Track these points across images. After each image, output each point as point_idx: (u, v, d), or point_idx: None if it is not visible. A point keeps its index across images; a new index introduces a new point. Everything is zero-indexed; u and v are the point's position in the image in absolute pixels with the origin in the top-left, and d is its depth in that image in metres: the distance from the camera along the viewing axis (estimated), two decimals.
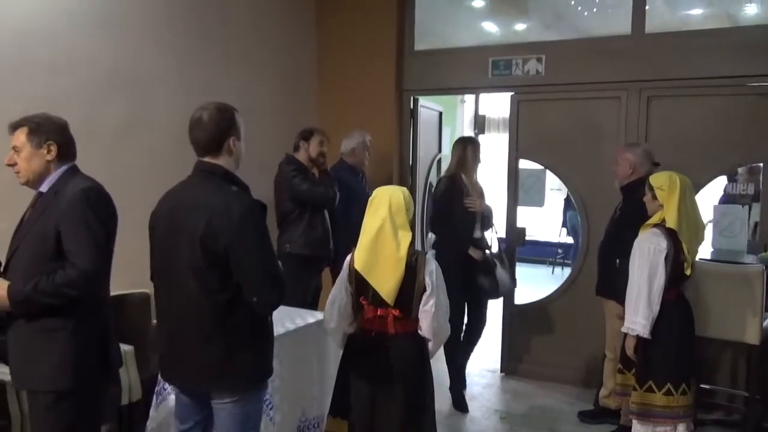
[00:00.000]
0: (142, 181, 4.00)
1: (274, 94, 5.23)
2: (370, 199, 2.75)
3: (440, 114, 6.43)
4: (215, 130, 2.33)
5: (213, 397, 2.36)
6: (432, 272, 2.64)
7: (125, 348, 3.50)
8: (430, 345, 2.75)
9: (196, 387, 2.39)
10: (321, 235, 4.34)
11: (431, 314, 2.63)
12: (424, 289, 2.63)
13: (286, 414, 3.16)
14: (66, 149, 2.43)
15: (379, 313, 2.66)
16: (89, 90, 3.78)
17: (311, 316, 3.47)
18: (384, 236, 2.62)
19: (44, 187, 2.39)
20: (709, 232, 4.85)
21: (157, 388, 3.22)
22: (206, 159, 2.36)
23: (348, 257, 2.78)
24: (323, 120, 5.57)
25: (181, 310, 2.31)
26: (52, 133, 2.39)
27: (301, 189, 4.23)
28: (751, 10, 4.66)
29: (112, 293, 3.77)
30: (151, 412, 3.24)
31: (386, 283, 2.59)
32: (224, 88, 4.58)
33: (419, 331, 2.70)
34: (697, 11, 4.90)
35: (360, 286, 2.69)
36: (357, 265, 2.66)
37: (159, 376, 3.21)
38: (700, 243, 3.39)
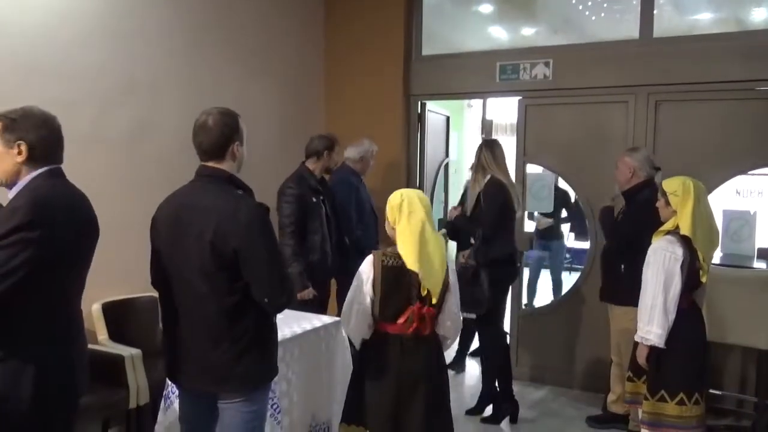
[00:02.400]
0: (152, 185, 3.99)
1: (281, 99, 5.25)
2: (396, 203, 2.71)
3: (447, 119, 6.44)
4: (220, 135, 2.34)
5: (220, 397, 2.37)
6: (453, 271, 2.73)
7: (132, 351, 3.52)
8: (448, 341, 2.83)
9: (204, 388, 2.40)
10: (318, 260, 4.12)
11: (454, 312, 2.71)
12: (447, 288, 2.69)
13: (296, 418, 3.15)
14: (40, 151, 2.11)
15: (425, 311, 2.67)
16: (99, 96, 3.81)
17: (318, 320, 3.46)
18: (429, 236, 2.66)
19: (11, 194, 2.11)
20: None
21: (165, 392, 3.22)
22: (209, 163, 2.37)
23: (369, 261, 2.74)
24: (330, 125, 5.58)
25: (189, 313, 2.32)
26: (25, 132, 2.10)
27: (280, 216, 4.02)
28: (759, 14, 4.65)
29: (119, 297, 3.86)
30: (159, 416, 3.24)
31: (437, 282, 2.64)
32: (232, 93, 4.60)
33: (439, 330, 2.76)
34: (705, 15, 4.89)
35: (392, 288, 2.67)
36: (414, 267, 2.60)
37: (167, 380, 3.22)
38: (715, 249, 3.30)
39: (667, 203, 3.18)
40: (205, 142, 2.35)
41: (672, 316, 3.08)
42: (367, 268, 2.74)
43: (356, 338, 2.83)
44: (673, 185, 3.18)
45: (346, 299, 2.80)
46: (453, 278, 2.71)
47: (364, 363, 2.81)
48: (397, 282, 2.67)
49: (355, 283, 2.78)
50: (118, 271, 3.67)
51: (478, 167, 4.25)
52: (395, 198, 2.74)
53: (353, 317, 2.75)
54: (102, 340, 3.69)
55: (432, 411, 2.71)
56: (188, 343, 2.34)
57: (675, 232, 3.13)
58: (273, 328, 2.45)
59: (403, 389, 2.68)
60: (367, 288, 2.71)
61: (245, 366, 2.31)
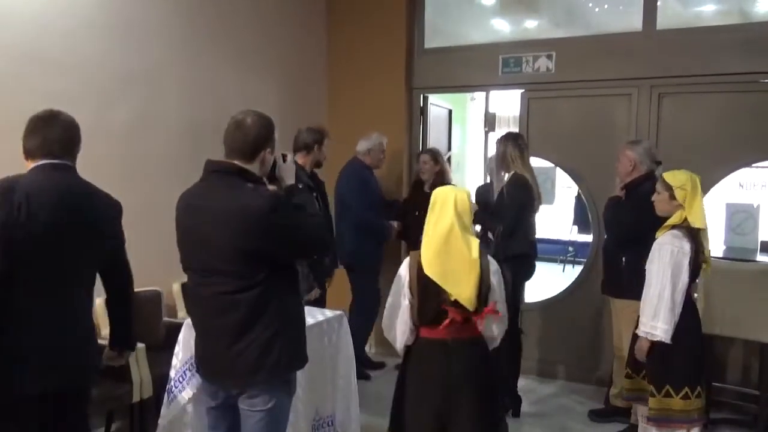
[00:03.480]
0: (151, 178, 4.02)
1: (283, 93, 5.24)
2: (432, 201, 2.63)
3: (450, 112, 6.42)
4: (256, 136, 2.28)
5: (244, 400, 2.33)
6: (495, 272, 2.59)
7: (137, 345, 3.51)
8: (495, 342, 2.70)
9: (234, 384, 2.34)
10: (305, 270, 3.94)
11: (501, 314, 2.60)
12: (489, 290, 2.56)
13: (300, 413, 3.13)
14: (33, 148, 2.26)
15: (462, 317, 2.54)
16: (99, 88, 3.80)
17: (321, 314, 3.46)
18: (454, 239, 2.52)
19: None
20: (721, 231, 4.84)
21: (168, 386, 3.23)
22: (234, 162, 2.29)
23: (406, 263, 2.65)
24: (333, 118, 5.58)
25: (215, 307, 2.28)
26: (24, 133, 2.28)
27: None
28: (763, 6, 4.62)
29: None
30: (163, 409, 3.25)
31: (464, 289, 2.48)
32: (234, 87, 4.59)
33: (485, 332, 2.62)
34: (708, 7, 4.86)
35: (427, 292, 2.56)
36: (429, 272, 2.52)
37: (170, 374, 3.23)
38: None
39: (672, 197, 3.14)
40: (239, 140, 2.27)
41: (678, 311, 3.06)
42: (404, 271, 2.64)
43: (399, 344, 2.69)
44: (680, 179, 3.14)
45: (387, 304, 2.69)
46: (495, 279, 2.56)
47: (407, 370, 2.69)
48: (432, 285, 2.53)
49: (394, 287, 2.68)
50: None
51: (501, 162, 4.19)
52: (433, 196, 2.64)
53: (395, 322, 2.65)
54: (105, 335, 3.69)
55: (481, 418, 2.57)
56: (216, 338, 2.30)
57: (681, 226, 3.10)
58: (301, 313, 2.43)
59: (447, 397, 2.55)
60: (405, 291, 2.62)
61: (274, 355, 2.26)
